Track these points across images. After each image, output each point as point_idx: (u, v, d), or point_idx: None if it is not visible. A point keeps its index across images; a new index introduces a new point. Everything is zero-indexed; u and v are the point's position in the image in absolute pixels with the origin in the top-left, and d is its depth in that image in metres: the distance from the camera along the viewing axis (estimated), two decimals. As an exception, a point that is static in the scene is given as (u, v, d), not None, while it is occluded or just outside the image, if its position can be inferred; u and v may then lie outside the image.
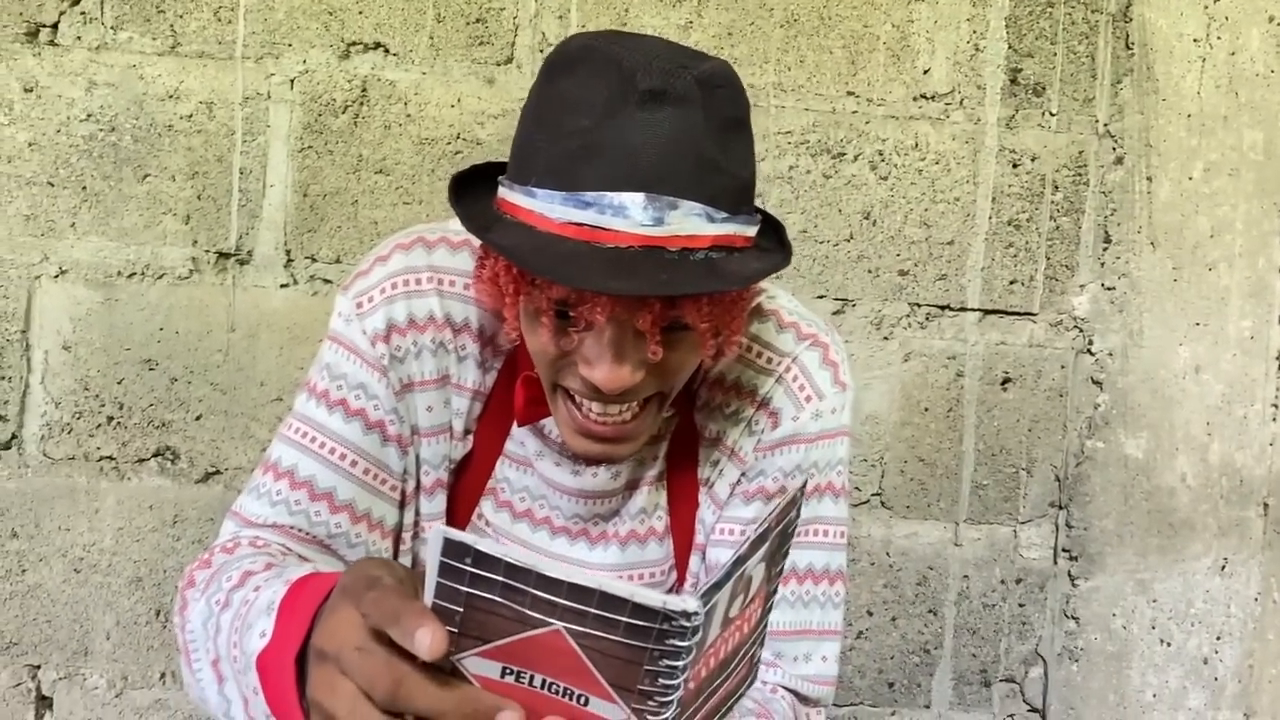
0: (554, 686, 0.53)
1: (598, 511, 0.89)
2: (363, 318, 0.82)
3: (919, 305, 1.41)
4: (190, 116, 1.32)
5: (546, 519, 0.90)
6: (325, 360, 0.83)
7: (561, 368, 0.75)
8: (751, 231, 0.75)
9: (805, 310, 0.91)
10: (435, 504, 0.89)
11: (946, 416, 1.42)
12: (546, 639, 0.52)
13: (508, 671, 0.53)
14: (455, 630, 0.51)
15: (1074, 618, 1.45)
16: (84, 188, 1.31)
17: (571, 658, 0.52)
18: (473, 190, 0.77)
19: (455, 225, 0.84)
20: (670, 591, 0.57)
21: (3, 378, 1.31)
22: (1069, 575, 1.45)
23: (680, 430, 0.89)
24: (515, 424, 0.87)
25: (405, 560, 0.91)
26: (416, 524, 0.91)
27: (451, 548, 0.50)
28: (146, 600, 1.34)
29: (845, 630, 0.94)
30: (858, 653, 1.43)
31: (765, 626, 0.62)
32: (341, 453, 0.83)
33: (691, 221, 0.71)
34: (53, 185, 1.31)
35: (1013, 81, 1.41)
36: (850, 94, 1.38)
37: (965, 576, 1.44)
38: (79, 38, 1.30)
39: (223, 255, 1.33)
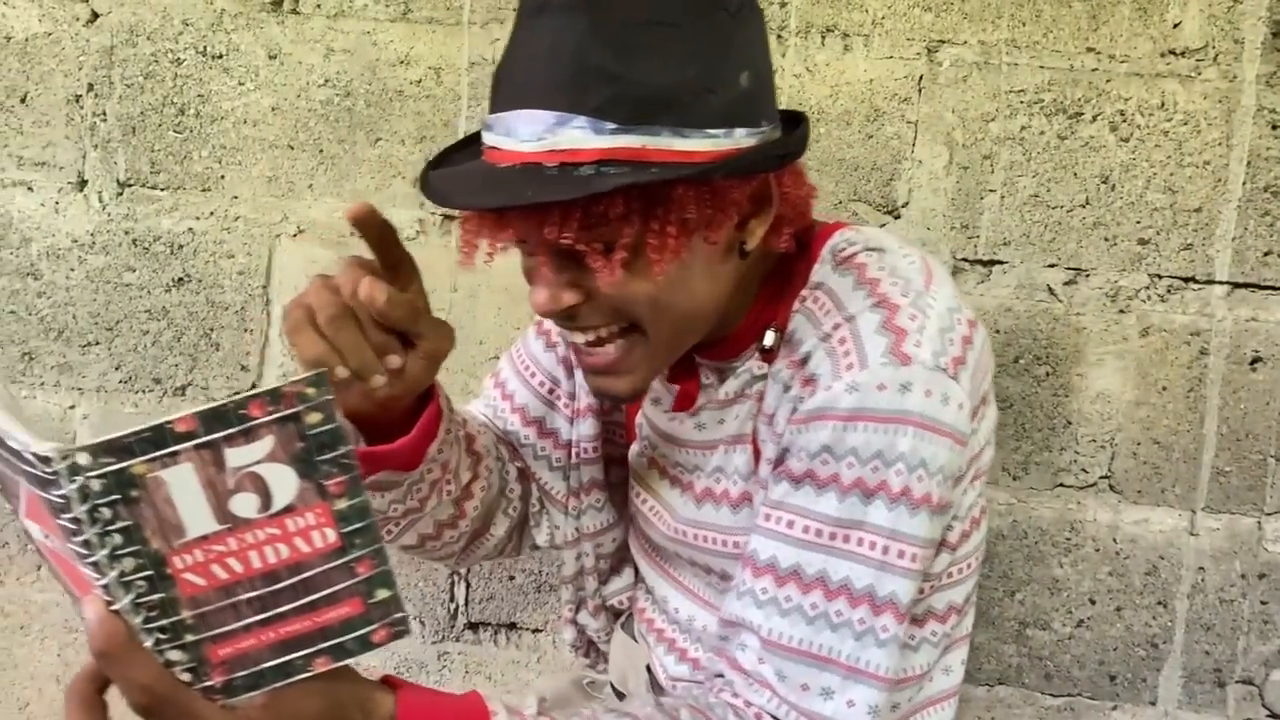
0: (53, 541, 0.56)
1: (681, 461, 0.89)
2: None
3: (1160, 277, 1.31)
4: (419, 82, 1.35)
5: (655, 461, 0.93)
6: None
7: None
8: (688, 145, 0.68)
9: (909, 269, 0.78)
10: (586, 427, 0.98)
11: (1186, 397, 1.32)
12: (30, 498, 0.54)
13: (41, 533, 0.57)
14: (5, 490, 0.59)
15: (1325, 619, 1.34)
16: (320, 151, 1.37)
17: (43, 515, 0.54)
18: None
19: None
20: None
21: (246, 330, 1.39)
22: (1319, 573, 1.33)
23: (762, 397, 0.82)
24: None
25: (576, 473, 1.00)
26: (577, 443, 0.99)
27: None
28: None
29: (896, 680, 0.76)
30: (1076, 642, 1.36)
31: (371, 561, 0.57)
32: (530, 369, 1.01)
33: (572, 134, 0.67)
34: (292, 148, 1.37)
35: (1275, 35, 1.29)
36: (1090, 50, 1.30)
37: (1201, 568, 1.34)
38: (318, 6, 1.35)
39: (448, 218, 1.36)
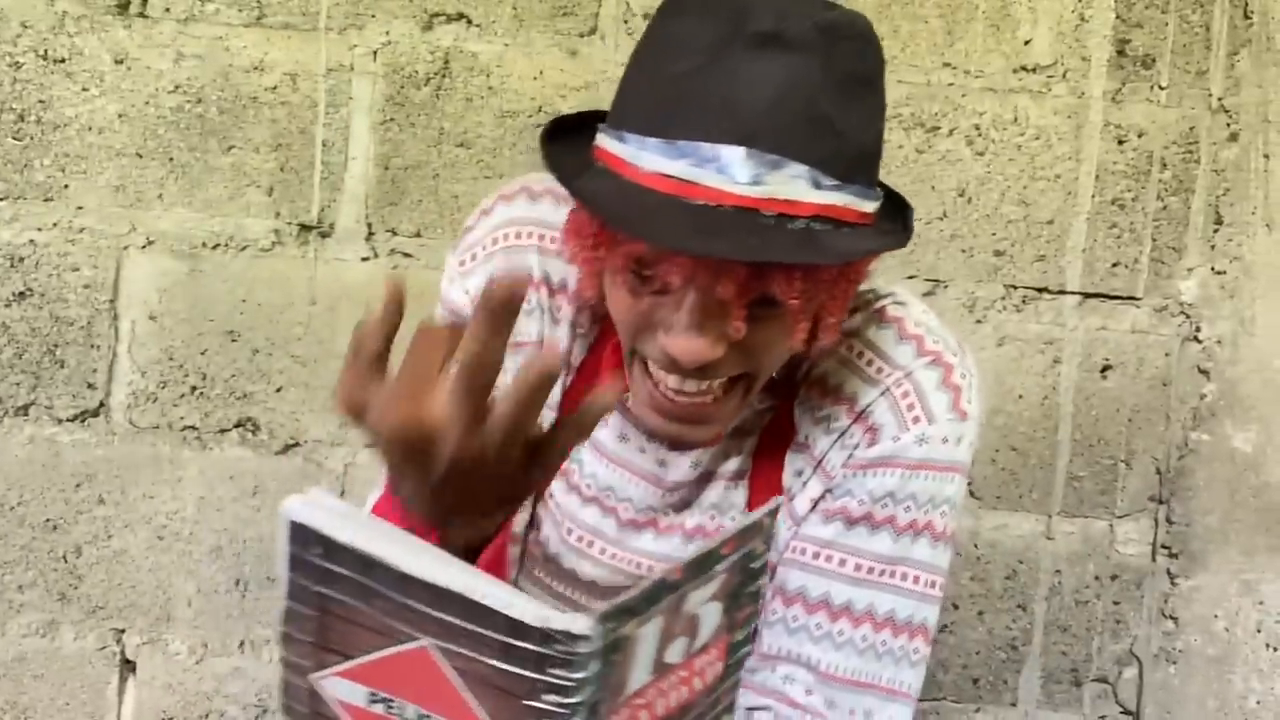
0: None
1: (670, 503, 0.84)
2: (465, 277, 0.79)
3: (1015, 288, 1.35)
4: (274, 89, 1.31)
5: (615, 509, 0.85)
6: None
7: (640, 332, 0.70)
8: (868, 207, 0.68)
9: (938, 324, 0.81)
10: None
11: (1041, 405, 1.36)
12: (413, 657, 0.42)
13: (375, 699, 0.43)
14: (312, 641, 0.42)
15: (1173, 618, 1.38)
16: (171, 159, 1.32)
17: (442, 683, 0.42)
18: (572, 137, 0.71)
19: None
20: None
21: (92, 346, 1.33)
22: (1168, 573, 1.38)
23: (773, 428, 0.82)
24: None
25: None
26: None
27: (298, 534, 0.41)
28: (226, 569, 1.35)
29: (919, 697, 0.84)
30: (942, 647, 1.38)
31: (733, 687, 0.52)
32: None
33: (794, 185, 0.63)
34: (140, 156, 1.32)
35: (1120, 53, 1.34)
36: (946, 65, 1.33)
37: (1057, 571, 1.38)
38: (168, 9, 1.30)
39: (305, 228, 1.33)
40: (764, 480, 0.82)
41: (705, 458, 0.82)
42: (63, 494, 1.34)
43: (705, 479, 0.83)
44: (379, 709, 0.43)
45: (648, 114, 0.65)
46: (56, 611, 1.35)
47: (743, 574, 0.49)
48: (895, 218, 0.74)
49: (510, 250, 0.78)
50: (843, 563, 0.78)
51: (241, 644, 1.36)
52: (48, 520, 1.35)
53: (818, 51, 0.63)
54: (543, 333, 0.80)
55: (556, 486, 0.86)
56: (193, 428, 1.34)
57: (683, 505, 0.84)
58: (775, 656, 0.80)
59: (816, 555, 0.79)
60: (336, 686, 0.44)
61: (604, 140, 0.68)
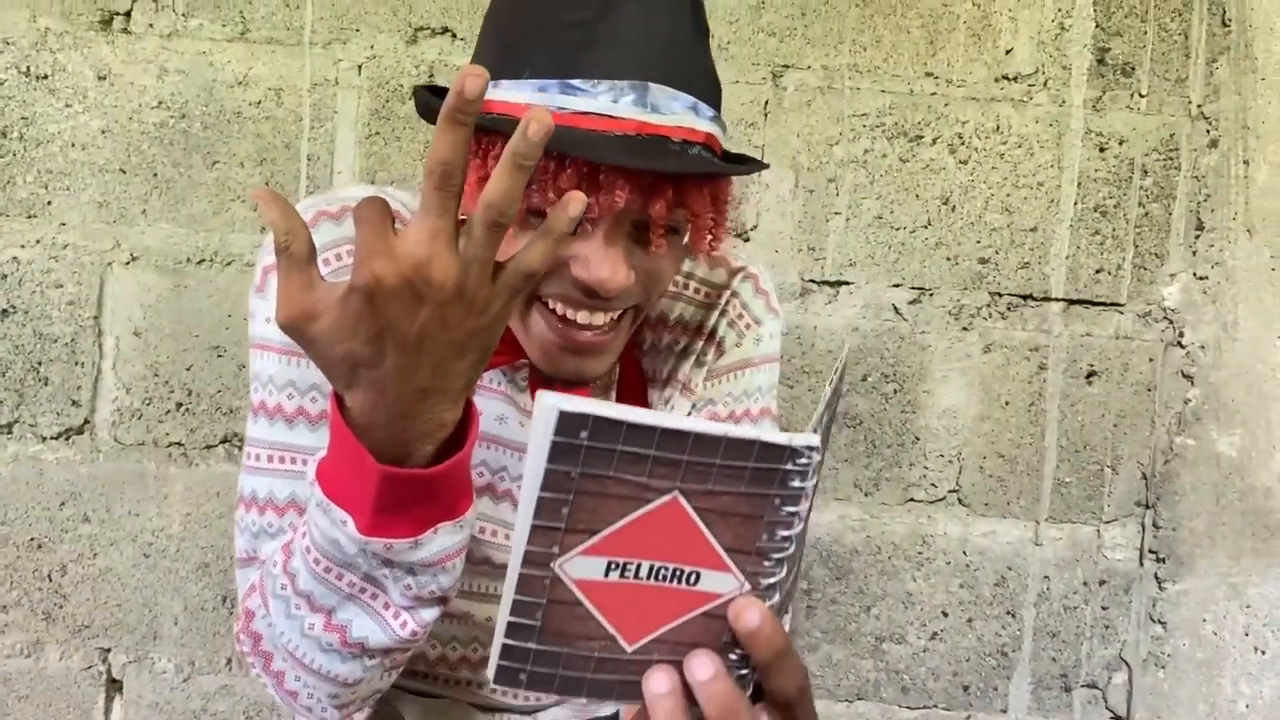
0: (662, 572, 0.49)
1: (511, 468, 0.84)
2: None
3: (1000, 295, 1.35)
4: (259, 103, 1.31)
5: (509, 491, 0.85)
6: (263, 373, 0.74)
7: (546, 276, 0.72)
8: (725, 138, 0.76)
9: (728, 247, 0.94)
10: None
11: (1028, 411, 1.36)
12: (661, 513, 0.48)
13: (613, 567, 0.49)
14: (561, 527, 0.47)
15: (1161, 622, 1.39)
16: (155, 174, 1.31)
17: (687, 528, 0.49)
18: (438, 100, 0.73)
19: (342, 193, 0.78)
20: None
21: (77, 363, 1.32)
22: (1156, 578, 1.39)
23: (625, 377, 0.89)
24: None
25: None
26: None
27: (566, 422, 0.45)
28: (213, 586, 1.34)
29: None
30: (931, 654, 1.38)
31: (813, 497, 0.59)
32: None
33: (688, 115, 0.70)
34: (124, 172, 1.31)
35: (1100, 61, 1.35)
36: (929, 75, 1.34)
37: (1046, 577, 1.38)
38: (151, 25, 1.30)
39: (290, 242, 1.32)
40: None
41: None
42: (47, 512, 1.33)
43: None
44: (614, 576, 0.49)
45: (554, 60, 0.69)
46: (41, 631, 1.34)
47: (832, 412, 0.56)
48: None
49: (341, 271, 0.75)
50: None
51: (229, 661, 1.35)
52: (32, 539, 1.33)
53: (684, 2, 0.71)
54: None
55: None
56: (178, 444, 1.34)
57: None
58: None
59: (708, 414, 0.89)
60: (577, 566, 0.49)
61: (497, 92, 0.70)
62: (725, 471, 0.48)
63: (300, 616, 0.64)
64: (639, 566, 0.49)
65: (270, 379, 0.74)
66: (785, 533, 0.50)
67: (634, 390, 0.89)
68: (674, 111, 0.69)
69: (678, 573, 0.49)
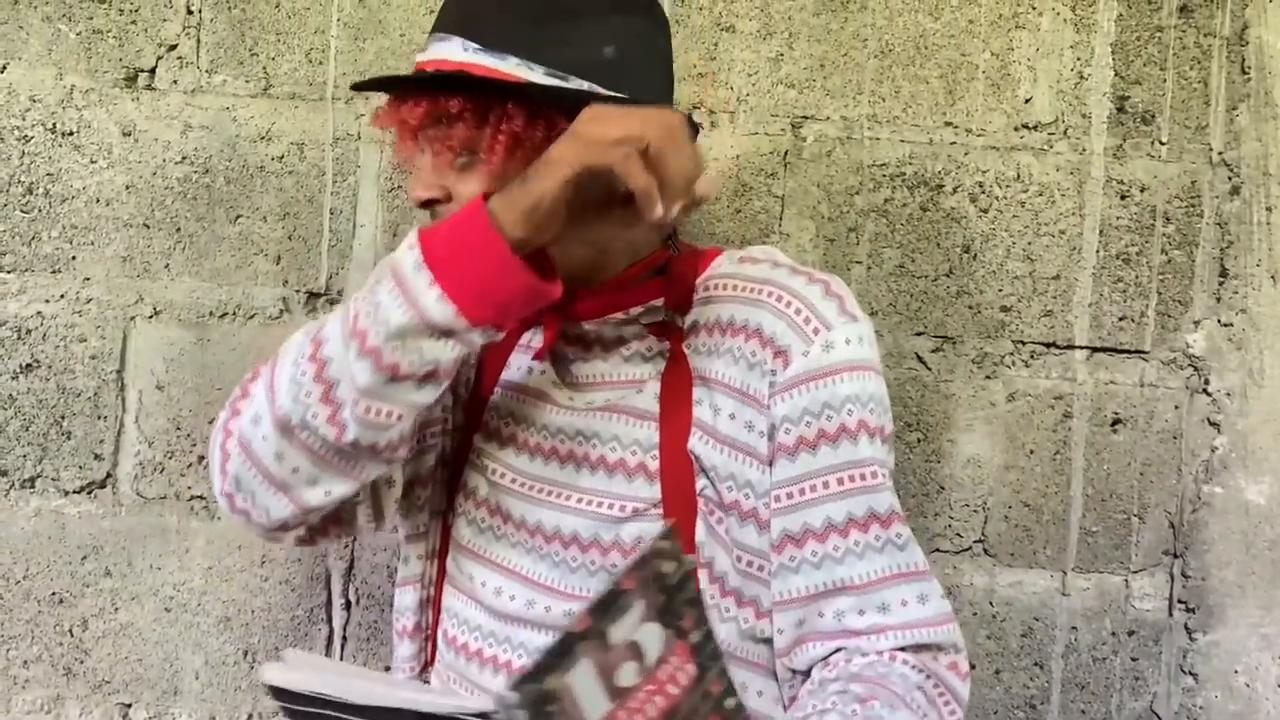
0: None
1: (581, 429, 0.92)
2: None
3: (1023, 343, 1.35)
4: (281, 158, 1.32)
5: (534, 444, 0.95)
6: None
7: None
8: (520, 73, 0.83)
9: (764, 252, 0.94)
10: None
11: (1053, 459, 1.35)
12: None
13: None
14: None
15: (1192, 674, 1.37)
16: (178, 229, 1.32)
17: None
18: None
19: None
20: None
21: (99, 417, 1.33)
22: (1186, 628, 1.37)
23: (672, 373, 0.90)
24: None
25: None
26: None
27: (276, 693, 0.52)
28: (234, 640, 1.34)
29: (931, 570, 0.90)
30: (959, 706, 1.36)
31: (721, 674, 0.61)
32: None
33: (448, 48, 0.85)
34: (148, 227, 1.32)
35: (1120, 110, 1.35)
36: (948, 124, 1.34)
37: (1073, 628, 1.36)
38: (175, 81, 1.32)
39: (313, 295, 1.33)
40: (674, 423, 0.89)
41: (612, 391, 0.93)
42: (69, 567, 1.33)
43: (617, 410, 0.92)
44: None
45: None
46: (62, 687, 1.33)
47: (665, 592, 0.57)
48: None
49: None
50: (825, 485, 0.86)
51: (250, 716, 1.34)
52: (53, 594, 1.33)
53: None
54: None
55: (478, 439, 0.98)
56: (200, 497, 1.33)
57: (597, 436, 0.92)
58: (815, 596, 0.86)
59: (801, 492, 0.86)
60: None
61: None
62: None
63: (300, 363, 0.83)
64: None
65: None
66: None
67: (681, 389, 0.89)
68: (439, 52, 0.86)
69: None
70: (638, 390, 0.91)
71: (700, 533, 0.87)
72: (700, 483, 0.88)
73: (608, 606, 0.54)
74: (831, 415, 0.85)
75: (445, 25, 0.87)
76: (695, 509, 0.87)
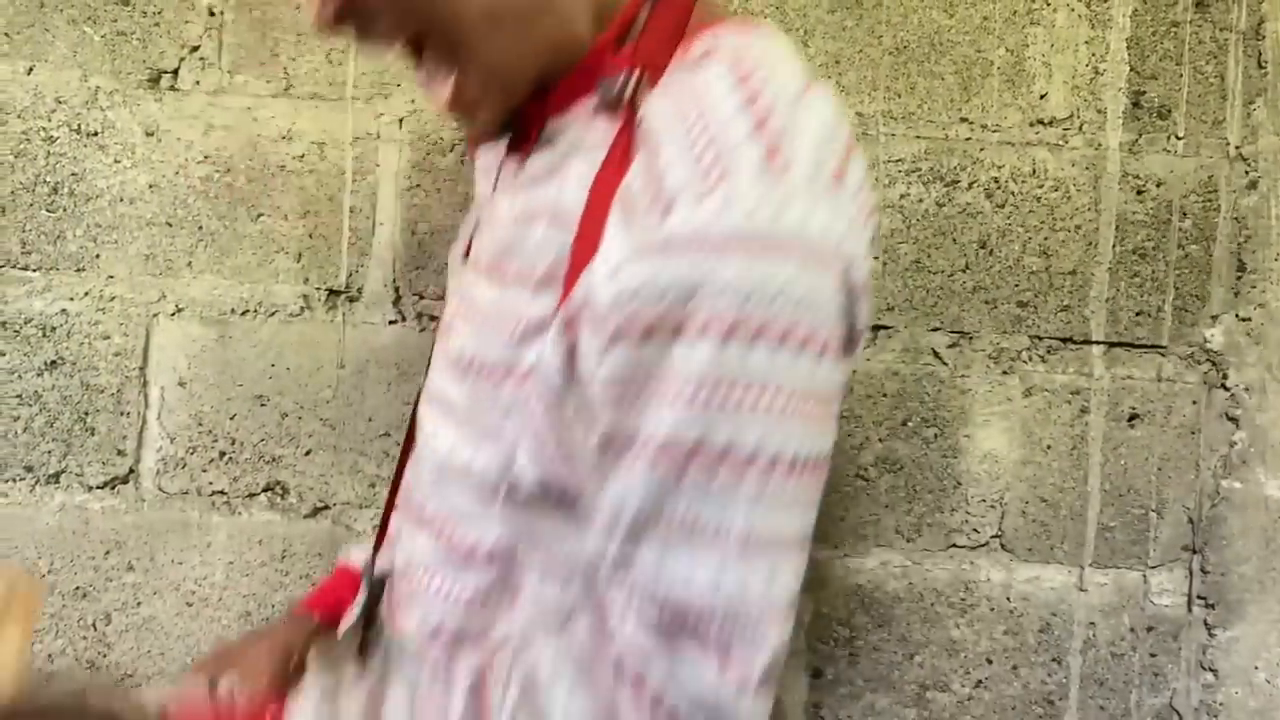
0: None
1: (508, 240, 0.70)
2: None
3: (1040, 338, 1.35)
4: (302, 157, 1.34)
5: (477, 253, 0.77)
6: None
7: None
8: None
9: (769, 52, 0.64)
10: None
11: (1070, 455, 1.35)
12: None
13: None
14: None
15: (1212, 670, 1.36)
16: (200, 227, 1.34)
17: None
18: None
19: None
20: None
21: (122, 413, 1.34)
22: (1205, 624, 1.36)
23: (614, 154, 0.62)
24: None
25: None
26: None
27: None
28: (255, 635, 1.35)
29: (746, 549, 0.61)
30: (976, 702, 1.36)
31: None
32: None
33: None
34: (170, 225, 1.34)
35: (1135, 105, 1.35)
36: (963, 120, 1.34)
37: (1091, 624, 1.36)
38: (198, 82, 1.33)
39: (333, 293, 1.34)
40: (590, 226, 0.60)
41: (522, 199, 0.71)
42: (92, 561, 1.35)
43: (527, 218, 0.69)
44: None
45: None
46: (85, 680, 1.35)
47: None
48: None
49: None
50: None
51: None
52: (77, 588, 1.35)
53: None
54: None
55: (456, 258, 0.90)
56: (221, 492, 1.35)
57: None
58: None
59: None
60: None
61: None
62: None
63: None
64: None
65: None
66: None
67: (615, 177, 0.61)
68: None
69: None
70: (563, 177, 0.70)
71: None
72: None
73: None
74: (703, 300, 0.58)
75: None
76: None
